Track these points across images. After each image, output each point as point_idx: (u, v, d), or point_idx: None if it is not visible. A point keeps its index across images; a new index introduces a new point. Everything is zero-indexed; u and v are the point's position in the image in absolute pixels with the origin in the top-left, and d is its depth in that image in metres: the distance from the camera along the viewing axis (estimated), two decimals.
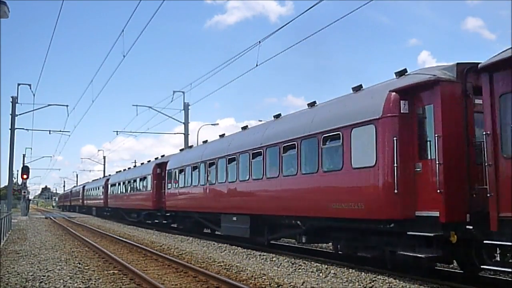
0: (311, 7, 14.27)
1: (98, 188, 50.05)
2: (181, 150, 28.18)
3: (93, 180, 64.93)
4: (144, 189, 31.09)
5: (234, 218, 17.35)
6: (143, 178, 31.48)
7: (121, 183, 38.48)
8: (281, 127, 15.21)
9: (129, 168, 41.03)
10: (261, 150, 15.49)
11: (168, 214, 26.28)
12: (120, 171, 45.17)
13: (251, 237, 16.53)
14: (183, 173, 23.36)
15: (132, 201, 34.65)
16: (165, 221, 27.10)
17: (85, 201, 60.69)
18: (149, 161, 34.18)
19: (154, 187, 28.64)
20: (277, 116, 16.44)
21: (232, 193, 17.71)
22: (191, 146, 25.69)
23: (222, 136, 21.32)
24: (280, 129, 15.11)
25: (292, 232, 14.88)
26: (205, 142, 23.39)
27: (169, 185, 25.46)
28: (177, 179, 24.23)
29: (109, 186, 43.36)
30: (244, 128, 19.40)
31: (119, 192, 39.45)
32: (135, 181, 33.96)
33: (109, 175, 51.27)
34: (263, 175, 15.33)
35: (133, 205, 34.21)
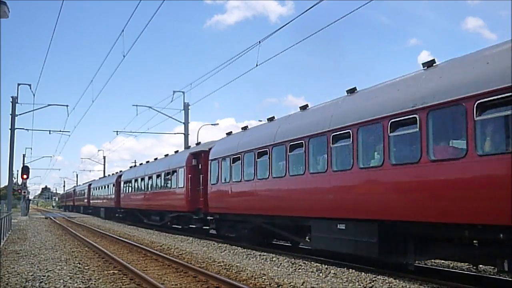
0: (311, 7, 14.19)
1: (108, 186, 44.48)
2: (228, 134, 20.77)
3: (100, 178, 59.47)
4: (173, 186, 25.09)
5: (341, 226, 11.60)
6: (171, 172, 25.31)
7: (139, 180, 32.70)
8: (474, 69, 8.70)
9: (147, 162, 34.83)
10: (415, 117, 9.45)
11: (211, 218, 20.15)
12: (135, 165, 39.22)
13: (380, 256, 10.64)
14: (238, 162, 17.10)
15: (154, 201, 28.86)
16: (205, 227, 21.27)
17: (91, 201, 55.67)
18: (176, 151, 28.34)
19: (188, 183, 22.37)
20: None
21: (340, 187, 11.82)
22: (245, 127, 18.72)
23: (304, 107, 14.80)
24: (475, 74, 8.60)
25: (477, 252, 9.09)
26: (270, 119, 16.81)
27: (214, 179, 19.26)
28: (228, 171, 17.94)
29: (122, 183, 38.02)
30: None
31: (136, 190, 33.86)
32: (159, 176, 27.94)
33: (121, 171, 45.04)
34: (421, 156, 9.30)
35: (156, 206, 28.59)
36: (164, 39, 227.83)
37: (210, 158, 19.87)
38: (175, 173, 24.49)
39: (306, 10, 14.66)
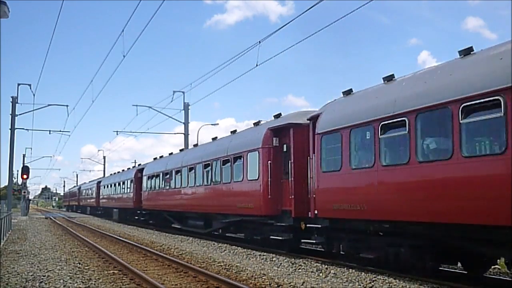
0: (311, 7, 14.13)
1: (123, 183, 38.07)
2: (345, 93, 12.98)
3: (112, 174, 51.30)
4: (235, 179, 17.92)
5: None
6: (231, 159, 18.25)
7: (173, 173, 25.49)
8: None
9: (181, 150, 28.31)
10: None
11: (315, 226, 13.18)
12: (161, 156, 31.79)
13: None
14: (398, 131, 10.17)
15: (198, 201, 21.96)
16: (311, 241, 14.15)
17: (101, 201, 49.21)
18: (233, 132, 20.45)
19: (267, 173, 15.58)
20: None
21: None
22: (390, 77, 11.46)
23: None
24: None
25: None
26: (467, 51, 9.29)
27: (330, 164, 12.37)
28: (370, 148, 10.93)
29: (145, 178, 31.41)
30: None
31: (165, 186, 26.83)
32: (207, 165, 20.62)
33: (139, 164, 39.28)
34: None
35: (200, 207, 21.67)
36: (164, 39, 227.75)
37: (319, 130, 12.81)
38: (240, 160, 17.51)
39: (306, 10, 14.62)
